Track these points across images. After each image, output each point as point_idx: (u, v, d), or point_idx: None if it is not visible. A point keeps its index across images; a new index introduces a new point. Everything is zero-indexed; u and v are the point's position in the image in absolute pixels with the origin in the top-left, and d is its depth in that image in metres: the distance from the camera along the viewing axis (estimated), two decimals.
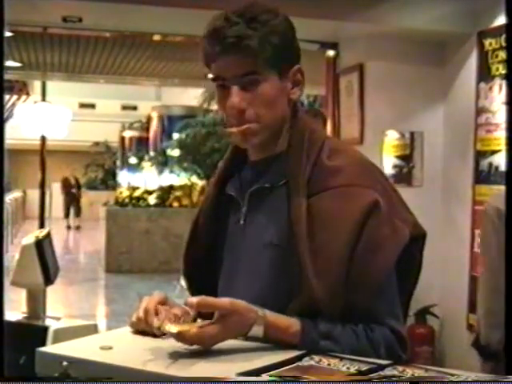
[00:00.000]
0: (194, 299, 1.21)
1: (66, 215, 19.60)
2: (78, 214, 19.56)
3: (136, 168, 17.67)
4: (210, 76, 1.39)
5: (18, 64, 7.27)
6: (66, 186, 20.02)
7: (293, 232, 1.33)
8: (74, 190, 19.83)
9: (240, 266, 1.43)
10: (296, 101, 1.42)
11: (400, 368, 1.15)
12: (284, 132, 1.42)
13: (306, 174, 1.36)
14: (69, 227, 18.96)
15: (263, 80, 1.35)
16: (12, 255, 1.94)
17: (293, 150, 1.40)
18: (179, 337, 1.20)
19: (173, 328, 1.21)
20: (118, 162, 20.12)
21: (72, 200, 19.65)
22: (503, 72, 4.05)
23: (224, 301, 1.24)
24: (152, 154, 17.14)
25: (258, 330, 1.26)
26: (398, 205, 1.39)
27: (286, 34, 1.38)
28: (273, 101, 1.36)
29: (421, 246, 1.41)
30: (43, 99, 13.18)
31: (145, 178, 16.47)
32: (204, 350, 1.24)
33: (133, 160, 18.15)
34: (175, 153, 14.10)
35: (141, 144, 18.93)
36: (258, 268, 1.38)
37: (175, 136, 15.93)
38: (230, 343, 1.28)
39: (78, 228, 18.81)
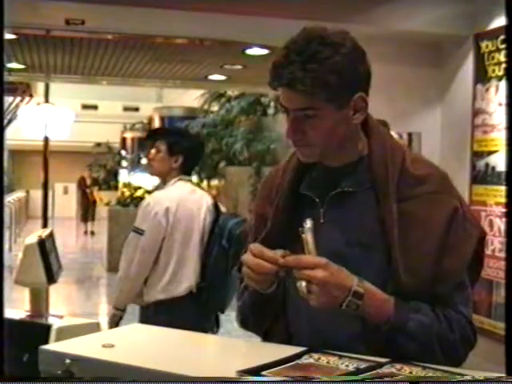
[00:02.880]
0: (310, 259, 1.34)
1: (83, 218, 17.30)
2: (92, 217, 17.12)
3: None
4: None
5: (21, 66, 7.28)
6: (81, 185, 18.27)
7: (385, 233, 1.44)
8: (88, 190, 17.90)
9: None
10: (359, 123, 1.49)
11: (398, 366, 1.17)
12: (349, 145, 1.50)
13: (394, 181, 1.46)
14: (86, 232, 16.87)
15: (319, 113, 1.41)
16: (15, 254, 1.96)
17: (376, 158, 1.49)
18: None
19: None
20: (126, 163, 19.98)
21: (87, 201, 17.62)
22: (499, 74, 4.06)
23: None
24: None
25: (359, 290, 1.35)
26: (467, 209, 1.52)
27: (348, 67, 1.40)
28: (328, 130, 1.43)
29: (483, 244, 1.54)
30: (46, 101, 13.17)
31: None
32: (204, 348, 1.29)
33: (145, 161, 18.04)
34: None
35: (142, 145, 18.89)
36: (342, 264, 1.42)
37: None
38: (229, 342, 1.31)
39: (92, 233, 16.59)
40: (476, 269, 1.52)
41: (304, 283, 1.32)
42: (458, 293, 1.47)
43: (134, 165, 18.40)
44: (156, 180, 15.81)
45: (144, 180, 15.69)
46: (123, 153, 20.07)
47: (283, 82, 1.40)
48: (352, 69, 1.41)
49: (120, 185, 14.78)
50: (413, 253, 1.42)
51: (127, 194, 11.91)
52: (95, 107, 21.68)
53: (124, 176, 17.91)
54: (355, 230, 1.47)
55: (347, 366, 1.17)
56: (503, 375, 1.20)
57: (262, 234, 1.55)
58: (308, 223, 1.35)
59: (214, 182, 12.54)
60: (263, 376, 1.12)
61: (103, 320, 6.54)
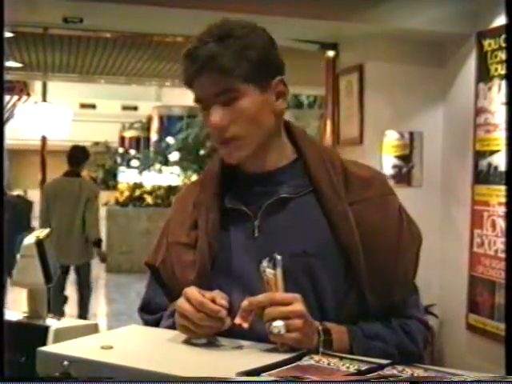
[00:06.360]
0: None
1: None
2: None
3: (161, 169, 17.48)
4: (193, 98, 1.37)
5: (18, 64, 7.27)
6: None
7: (341, 239, 1.35)
8: None
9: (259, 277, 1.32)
10: (282, 112, 1.39)
11: (399, 367, 1.15)
12: (277, 144, 1.41)
13: (340, 183, 1.38)
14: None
15: (242, 96, 1.32)
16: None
17: (313, 161, 1.40)
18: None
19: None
20: (137, 163, 19.84)
21: None
22: (502, 72, 4.05)
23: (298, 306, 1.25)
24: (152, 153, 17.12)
25: (325, 326, 1.30)
26: (405, 209, 1.46)
27: (264, 47, 1.34)
28: (254, 115, 1.33)
29: (420, 245, 1.48)
30: (44, 100, 13.14)
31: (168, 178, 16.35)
32: (204, 349, 1.25)
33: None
34: (175, 156, 14.13)
35: (141, 144, 18.87)
36: (288, 277, 1.29)
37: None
38: (229, 343, 1.29)
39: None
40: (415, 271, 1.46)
41: (282, 322, 1.22)
42: (411, 297, 1.43)
43: (147, 164, 18.39)
44: (167, 179, 15.79)
45: (156, 179, 15.69)
46: (132, 152, 19.98)
47: (200, 62, 1.29)
48: (269, 48, 1.35)
49: (125, 185, 14.69)
50: (372, 263, 1.34)
51: (126, 193, 11.89)
52: (93, 106, 21.72)
53: (130, 176, 17.83)
54: (299, 240, 1.35)
55: (348, 367, 1.16)
56: (504, 375, 1.19)
57: (196, 266, 1.38)
58: (278, 257, 1.24)
59: None
60: (263, 378, 1.10)
61: (101, 321, 6.54)
